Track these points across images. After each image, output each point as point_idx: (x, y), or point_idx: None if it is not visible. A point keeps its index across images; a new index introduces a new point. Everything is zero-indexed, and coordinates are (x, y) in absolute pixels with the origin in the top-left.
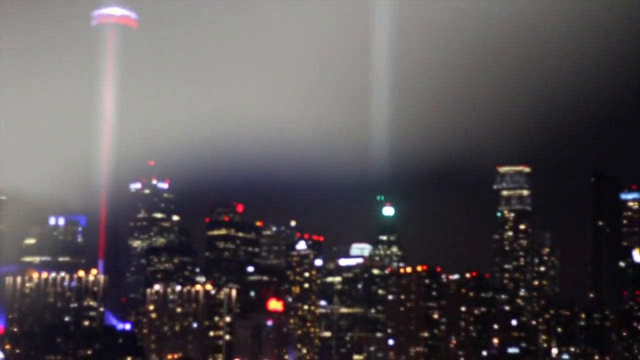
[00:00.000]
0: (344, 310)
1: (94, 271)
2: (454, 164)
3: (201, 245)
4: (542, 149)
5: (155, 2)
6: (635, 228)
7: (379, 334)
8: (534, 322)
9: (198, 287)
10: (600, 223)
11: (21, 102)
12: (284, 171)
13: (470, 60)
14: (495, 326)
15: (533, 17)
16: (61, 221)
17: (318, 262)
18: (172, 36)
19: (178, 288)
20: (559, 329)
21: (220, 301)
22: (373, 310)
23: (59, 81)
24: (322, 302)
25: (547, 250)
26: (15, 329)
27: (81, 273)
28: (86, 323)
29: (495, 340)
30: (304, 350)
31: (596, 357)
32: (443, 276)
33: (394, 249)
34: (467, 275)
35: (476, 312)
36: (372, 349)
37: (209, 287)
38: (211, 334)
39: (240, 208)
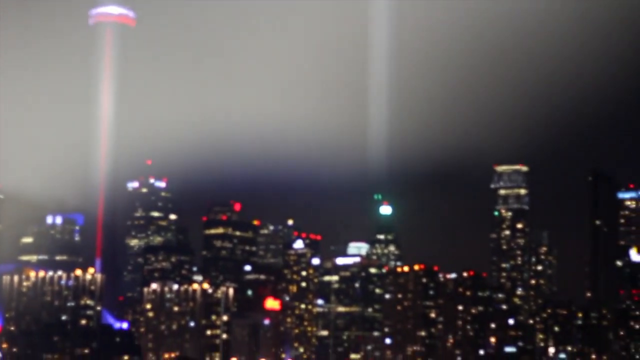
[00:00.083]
0: (341, 309)
1: (91, 270)
2: (452, 163)
3: (198, 244)
4: (539, 147)
5: (153, 1)
6: (632, 227)
7: (376, 333)
8: (531, 321)
9: (195, 285)
10: (597, 222)
11: (19, 101)
12: (282, 170)
13: (468, 60)
14: (493, 325)
15: (531, 17)
16: (59, 220)
17: (315, 261)
18: (169, 35)
19: (175, 287)
20: (556, 328)
21: (218, 300)
22: (370, 309)
23: (57, 80)
24: (320, 301)
25: (544, 249)
26: (12, 328)
27: (78, 272)
28: (83, 322)
29: (493, 339)
30: (301, 349)
31: (593, 356)
32: (440, 275)
33: (392, 248)
34: (465, 274)
35: (473, 311)
36: (369, 347)
37: (206, 286)
38: (208, 332)
39: (237, 207)
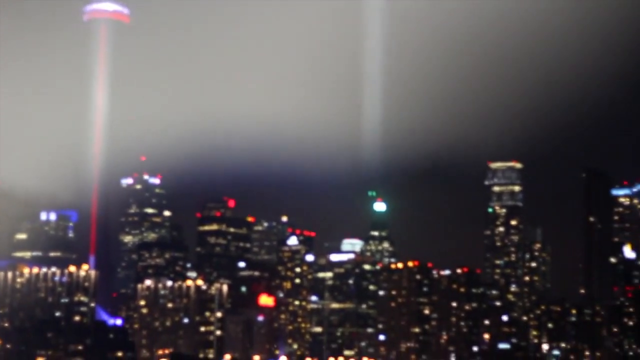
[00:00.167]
0: (335, 305)
1: (85, 266)
2: (446, 160)
3: (192, 241)
4: (533, 144)
5: None
6: (626, 224)
7: (370, 330)
8: (524, 318)
9: (189, 282)
10: (591, 219)
11: (13, 97)
12: (276, 167)
13: (463, 57)
14: (486, 322)
15: (525, 15)
16: (52, 216)
17: (309, 258)
18: (164, 32)
19: (169, 283)
20: (550, 325)
21: (212, 296)
22: (364, 306)
23: (51, 76)
24: (313, 298)
25: (538, 246)
26: (5, 324)
27: (72, 268)
28: (77, 318)
29: (486, 336)
30: (295, 346)
31: (587, 353)
32: (434, 272)
33: (385, 245)
34: (458, 270)
35: (467, 307)
36: (363, 344)
37: (200, 282)
38: (202, 329)
39: (231, 203)
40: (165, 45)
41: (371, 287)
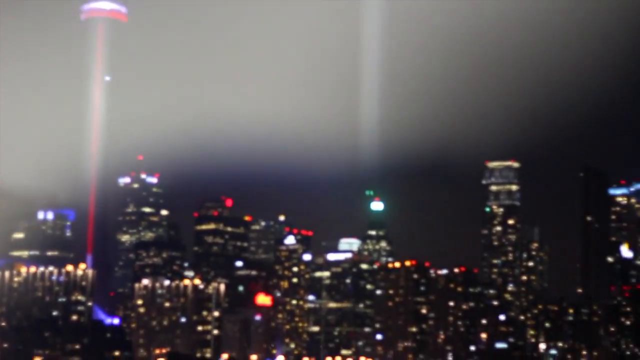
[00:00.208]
0: (332, 305)
1: (82, 265)
2: (443, 159)
3: (190, 240)
4: (531, 144)
5: None
6: (623, 223)
7: (367, 329)
8: (522, 317)
9: (186, 281)
10: (588, 218)
11: (10, 96)
12: (273, 166)
13: (460, 57)
14: (484, 321)
15: (522, 14)
16: (50, 215)
17: (307, 257)
18: (161, 31)
19: (166, 282)
20: (547, 324)
21: (209, 296)
22: (361, 305)
23: (48, 75)
24: (311, 297)
25: (535, 245)
26: (3, 324)
27: (69, 267)
28: (74, 317)
29: (484, 335)
30: (293, 345)
31: (584, 352)
32: (431, 271)
33: (383, 244)
34: (456, 270)
35: (464, 307)
36: (360, 343)
37: (197, 281)
38: (199, 328)
39: (229, 203)
40: (163, 45)
41: (368, 287)
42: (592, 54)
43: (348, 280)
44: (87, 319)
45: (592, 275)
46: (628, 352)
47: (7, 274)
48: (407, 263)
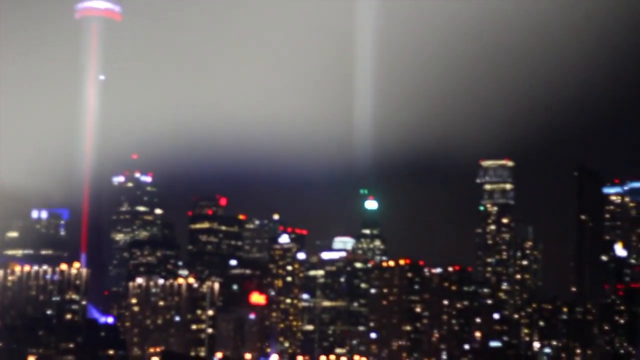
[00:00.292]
0: (326, 303)
1: (76, 264)
2: (438, 158)
3: (184, 239)
4: (525, 143)
5: None
6: (617, 222)
7: (361, 328)
8: (516, 316)
9: (181, 280)
10: (582, 217)
11: (3, 95)
12: (268, 165)
13: (454, 55)
14: (478, 320)
15: (516, 13)
16: (44, 214)
17: (301, 256)
18: (155, 30)
19: (161, 281)
20: (541, 323)
21: (203, 294)
22: (356, 304)
23: (42, 74)
24: (305, 296)
25: (529, 244)
26: None
27: (64, 266)
28: (68, 316)
29: (478, 334)
30: (287, 344)
31: (578, 351)
32: (426, 270)
33: (377, 243)
34: (450, 269)
35: (459, 305)
36: (354, 342)
37: (191, 280)
38: (194, 327)
39: (223, 201)
40: (157, 44)
41: (363, 285)
42: (586, 54)
43: (342, 279)
44: (81, 318)
45: (586, 274)
46: (622, 351)
47: (1, 272)
48: (401, 262)
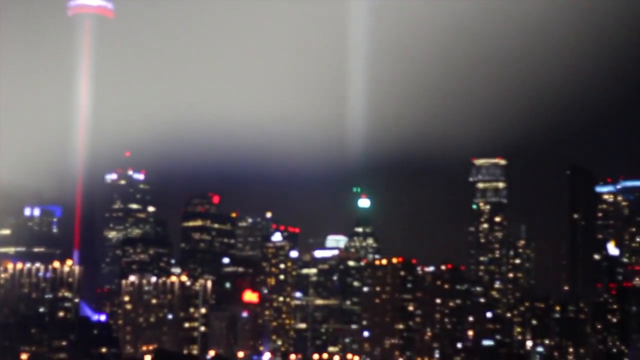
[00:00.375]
0: (319, 302)
1: (69, 262)
2: (430, 156)
3: (177, 237)
4: (518, 141)
5: None
6: (610, 221)
7: (354, 326)
8: (509, 315)
9: (173, 278)
10: (575, 216)
11: None
12: (260, 163)
13: (447, 53)
14: (471, 318)
15: (510, 11)
16: (36, 212)
17: (294, 254)
18: (148, 27)
19: (153, 279)
20: (534, 322)
21: (196, 292)
22: (348, 302)
23: (35, 71)
24: (298, 294)
25: (522, 242)
26: None
27: (56, 264)
28: (61, 314)
29: (470, 333)
30: (279, 342)
31: (570, 350)
32: (418, 268)
33: (370, 241)
34: (443, 267)
35: (451, 304)
36: (347, 340)
37: (184, 278)
38: (186, 325)
39: (215, 199)
40: (150, 41)
41: (355, 284)
42: (579, 53)
43: (335, 277)
44: (74, 316)
45: (578, 272)
46: (614, 350)
47: None
48: (394, 260)
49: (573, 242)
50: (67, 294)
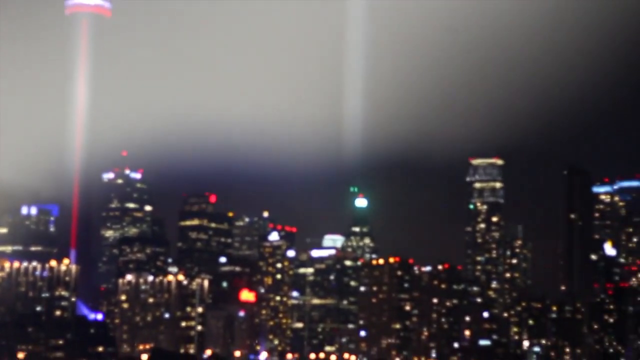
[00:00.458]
0: (316, 301)
1: (66, 261)
2: (427, 156)
3: (174, 236)
4: (515, 141)
5: None
6: (607, 221)
7: (351, 326)
8: (505, 315)
9: (170, 277)
10: (572, 216)
11: None
12: (257, 162)
13: (444, 53)
14: (467, 318)
15: (507, 12)
16: (33, 210)
17: (290, 253)
18: (145, 26)
19: (150, 278)
20: (531, 322)
21: (193, 292)
22: (345, 302)
23: (32, 70)
24: (295, 293)
25: (519, 242)
26: None
27: (53, 263)
28: (58, 313)
29: (467, 332)
30: (276, 341)
31: (567, 350)
32: (415, 268)
33: (367, 241)
34: (439, 267)
35: (448, 304)
36: (344, 340)
37: (181, 277)
38: (183, 324)
39: (213, 199)
40: (147, 40)
41: (352, 283)
42: (576, 53)
43: (332, 277)
44: (71, 315)
45: (575, 272)
46: (611, 350)
47: None
48: (391, 260)
49: (570, 243)
50: (64, 293)
